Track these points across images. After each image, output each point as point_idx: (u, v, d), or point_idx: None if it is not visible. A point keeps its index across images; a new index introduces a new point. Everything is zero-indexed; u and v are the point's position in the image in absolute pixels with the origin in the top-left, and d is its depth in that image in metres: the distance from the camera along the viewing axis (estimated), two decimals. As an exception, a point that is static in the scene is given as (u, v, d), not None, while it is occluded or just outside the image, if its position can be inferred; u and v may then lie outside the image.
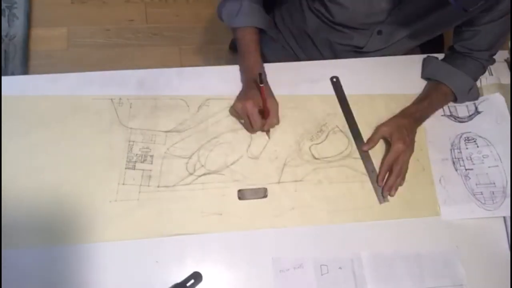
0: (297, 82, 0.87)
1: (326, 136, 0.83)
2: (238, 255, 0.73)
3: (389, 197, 0.79)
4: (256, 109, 0.76)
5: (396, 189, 0.79)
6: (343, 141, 0.83)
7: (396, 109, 0.86)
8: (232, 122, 0.82)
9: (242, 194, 0.77)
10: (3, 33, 1.63)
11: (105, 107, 0.81)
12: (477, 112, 0.87)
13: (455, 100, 0.87)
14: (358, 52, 0.92)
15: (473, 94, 0.88)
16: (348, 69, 0.89)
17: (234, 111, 0.80)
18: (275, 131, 0.82)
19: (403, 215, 0.78)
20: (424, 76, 0.90)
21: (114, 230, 0.72)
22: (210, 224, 0.74)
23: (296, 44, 1.01)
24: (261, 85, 0.72)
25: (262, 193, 0.77)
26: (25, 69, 1.61)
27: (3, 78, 0.81)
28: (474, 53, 0.86)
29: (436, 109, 0.87)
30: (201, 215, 0.75)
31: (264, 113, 0.77)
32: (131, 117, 0.80)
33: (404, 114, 0.83)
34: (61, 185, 0.74)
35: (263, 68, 0.84)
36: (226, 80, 0.85)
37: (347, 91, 0.87)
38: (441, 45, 1.07)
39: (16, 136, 0.77)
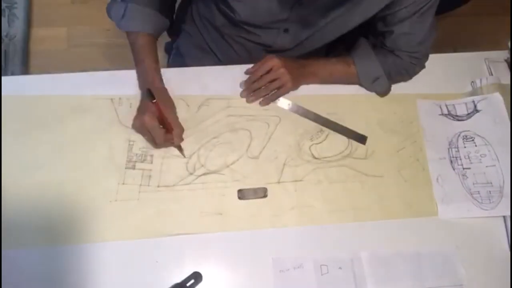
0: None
1: (326, 136, 0.83)
2: (238, 255, 0.73)
3: (389, 197, 0.79)
4: (155, 122, 0.72)
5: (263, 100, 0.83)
6: (343, 141, 0.83)
7: (397, 109, 0.86)
8: (232, 122, 0.82)
9: (242, 194, 0.77)
10: (3, 33, 1.64)
11: (105, 107, 0.81)
12: (476, 110, 0.87)
13: (359, 82, 0.87)
14: (269, 51, 0.90)
15: (379, 86, 0.86)
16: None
17: (134, 128, 0.77)
18: (275, 131, 0.82)
19: (404, 215, 0.78)
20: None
21: (114, 230, 0.72)
22: (210, 224, 0.74)
23: (211, 40, 0.98)
24: (153, 101, 0.68)
25: (262, 193, 0.77)
26: (25, 69, 1.61)
27: (3, 78, 0.81)
28: (395, 52, 0.85)
29: (330, 74, 0.86)
30: (201, 215, 0.75)
31: (166, 126, 0.74)
32: (131, 117, 0.80)
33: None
34: (61, 185, 0.74)
35: (157, 74, 0.79)
36: (226, 80, 0.85)
37: (347, 91, 0.87)
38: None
39: (16, 136, 0.77)
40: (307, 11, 0.79)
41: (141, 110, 0.76)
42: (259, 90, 0.83)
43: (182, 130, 0.76)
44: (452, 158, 0.84)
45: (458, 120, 0.87)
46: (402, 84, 0.89)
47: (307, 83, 0.86)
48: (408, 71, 0.87)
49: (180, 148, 0.78)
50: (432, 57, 0.88)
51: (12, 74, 1.55)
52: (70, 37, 1.69)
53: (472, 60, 0.93)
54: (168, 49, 1.15)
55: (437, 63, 0.91)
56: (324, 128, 0.84)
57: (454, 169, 0.83)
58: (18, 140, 0.77)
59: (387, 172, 0.81)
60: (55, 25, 1.70)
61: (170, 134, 0.74)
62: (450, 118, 0.87)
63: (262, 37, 0.87)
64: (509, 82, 0.90)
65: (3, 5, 1.67)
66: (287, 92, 0.84)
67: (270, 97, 0.84)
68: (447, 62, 0.92)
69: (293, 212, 0.76)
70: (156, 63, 0.80)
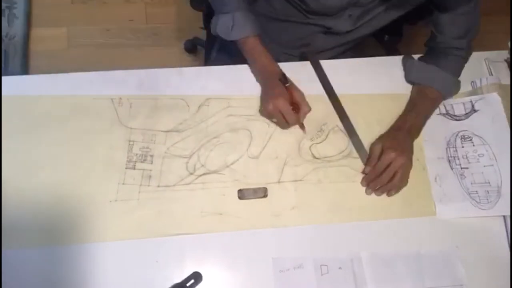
0: (296, 81, 0.87)
1: (326, 136, 0.83)
2: (238, 255, 0.73)
3: (389, 196, 0.79)
4: (289, 105, 0.77)
5: (388, 193, 0.79)
6: (343, 141, 0.83)
7: (396, 109, 0.86)
8: (232, 122, 0.82)
9: (242, 194, 0.77)
10: (3, 33, 1.64)
11: (105, 107, 0.81)
12: (473, 110, 0.87)
13: (445, 99, 0.88)
14: (327, 33, 0.92)
15: (457, 89, 0.89)
16: (348, 69, 0.89)
17: (266, 112, 0.80)
18: (275, 131, 0.82)
19: (404, 214, 0.78)
20: (409, 79, 0.89)
21: (114, 230, 0.72)
22: (210, 224, 0.74)
23: (264, 31, 0.97)
24: (287, 84, 0.78)
25: (262, 192, 0.77)
26: (25, 69, 1.61)
27: (3, 78, 0.81)
28: (454, 42, 0.86)
29: (427, 116, 0.85)
30: (201, 215, 0.75)
31: (294, 106, 0.79)
32: (131, 117, 0.80)
33: (393, 127, 0.83)
34: (61, 185, 0.74)
35: (275, 64, 0.84)
36: (226, 80, 0.86)
37: (347, 91, 0.87)
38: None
39: (16, 136, 0.77)
40: None
41: (272, 95, 0.78)
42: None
43: (309, 109, 0.80)
44: (450, 158, 0.84)
45: (456, 119, 0.87)
46: (402, 84, 0.89)
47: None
48: (466, 59, 0.90)
49: (302, 126, 0.82)
50: (432, 57, 0.88)
51: (12, 74, 1.55)
52: (70, 37, 1.69)
53: (472, 60, 0.93)
54: (202, 44, 1.16)
55: (437, 63, 0.91)
56: (324, 128, 0.84)
57: (452, 169, 0.83)
58: (18, 140, 0.77)
59: (387, 172, 0.81)
60: (55, 25, 1.70)
61: (297, 114, 0.79)
62: (448, 118, 0.87)
63: (325, 21, 0.88)
64: (509, 82, 0.90)
65: (3, 5, 1.67)
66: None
67: (386, 187, 0.79)
68: (447, 62, 0.92)
69: (293, 212, 0.76)
70: (271, 57, 0.84)
